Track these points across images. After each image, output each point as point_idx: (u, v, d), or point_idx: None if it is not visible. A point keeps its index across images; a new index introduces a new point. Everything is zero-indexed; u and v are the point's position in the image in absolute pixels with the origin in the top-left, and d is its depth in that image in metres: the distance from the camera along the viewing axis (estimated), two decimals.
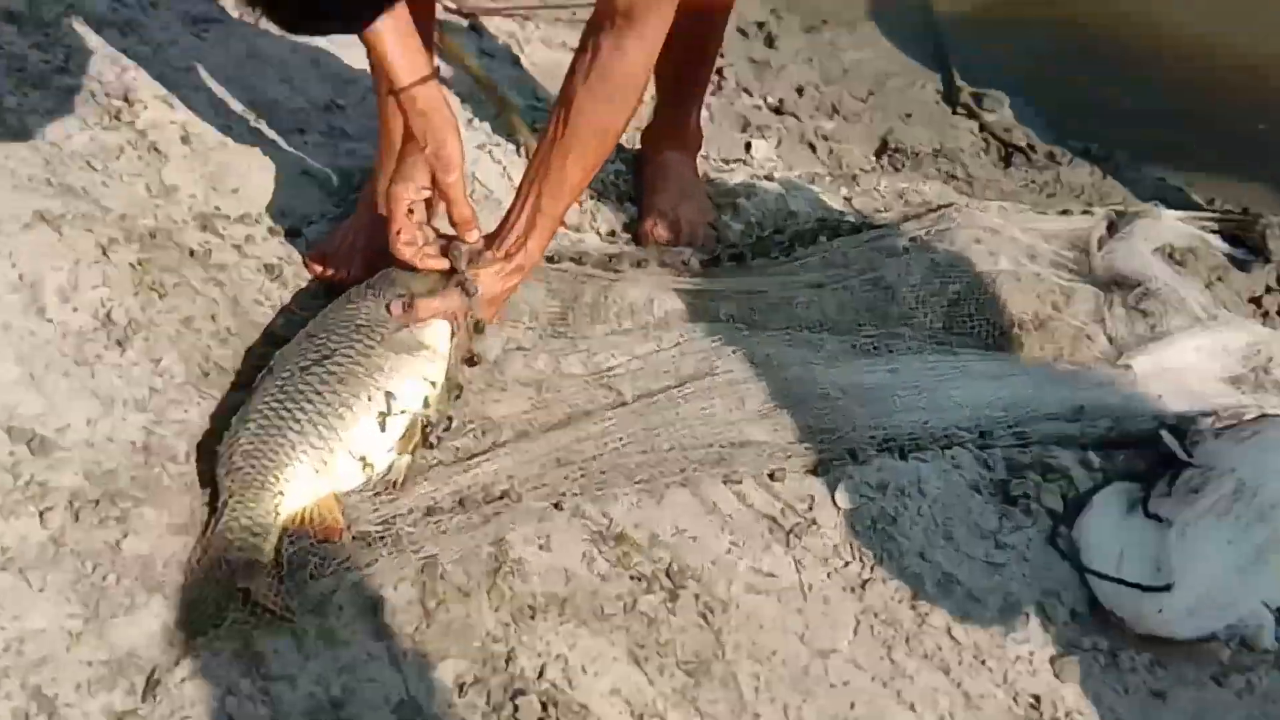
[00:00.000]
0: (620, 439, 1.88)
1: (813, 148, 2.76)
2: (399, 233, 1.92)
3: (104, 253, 1.98)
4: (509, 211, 1.95)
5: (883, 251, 2.29)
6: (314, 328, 1.87)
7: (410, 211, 1.92)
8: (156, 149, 2.23)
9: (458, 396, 1.89)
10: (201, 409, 1.84)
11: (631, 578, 1.73)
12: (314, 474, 1.72)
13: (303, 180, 2.28)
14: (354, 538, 1.69)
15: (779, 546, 1.79)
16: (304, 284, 2.09)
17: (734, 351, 2.04)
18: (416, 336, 1.86)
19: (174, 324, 1.93)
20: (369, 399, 1.78)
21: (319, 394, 1.76)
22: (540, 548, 1.74)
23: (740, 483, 1.86)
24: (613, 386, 1.97)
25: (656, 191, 2.39)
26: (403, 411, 1.79)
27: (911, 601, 1.75)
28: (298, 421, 1.74)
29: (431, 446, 1.82)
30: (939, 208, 2.43)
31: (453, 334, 1.90)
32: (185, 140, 2.26)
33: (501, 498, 1.78)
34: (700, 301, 2.15)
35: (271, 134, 2.35)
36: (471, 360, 1.94)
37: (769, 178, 2.57)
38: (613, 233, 2.34)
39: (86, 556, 1.64)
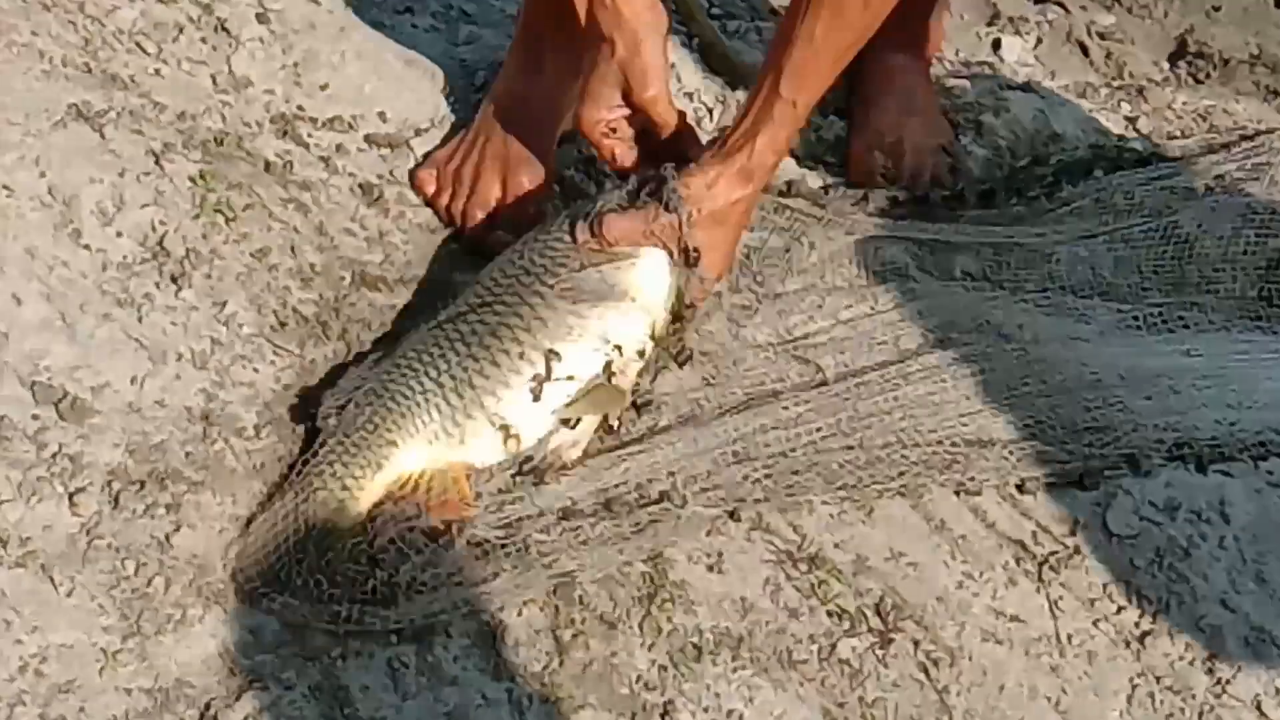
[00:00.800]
0: (818, 430, 1.87)
1: (1084, 49, 2.72)
2: (614, 156, 1.97)
3: (157, 162, 2.01)
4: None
5: (1178, 193, 2.26)
6: (487, 270, 1.91)
7: (611, 131, 1.95)
8: (225, 29, 2.26)
9: (664, 367, 1.91)
10: (276, 368, 1.87)
11: (829, 614, 1.73)
12: (442, 435, 1.77)
13: (410, 75, 2.30)
14: (469, 543, 1.71)
15: (1028, 582, 1.78)
16: (411, 210, 2.11)
17: (973, 320, 2.03)
18: (604, 278, 1.87)
19: (243, 257, 1.96)
20: (522, 358, 1.80)
21: (465, 345, 1.81)
22: (710, 569, 1.74)
23: (978, 494, 1.85)
24: (810, 360, 1.97)
25: (874, 105, 2.37)
26: (569, 378, 1.81)
27: (1207, 663, 1.73)
28: (434, 371, 1.79)
29: (611, 430, 1.83)
30: (1255, 135, 2.39)
31: (664, 276, 1.89)
32: (262, 19, 2.28)
33: (660, 501, 1.78)
34: (929, 252, 2.15)
35: (372, 13, 2.37)
36: (679, 315, 1.92)
37: (1025, 88, 2.53)
38: (814, 159, 2.33)
39: (127, 553, 1.67)
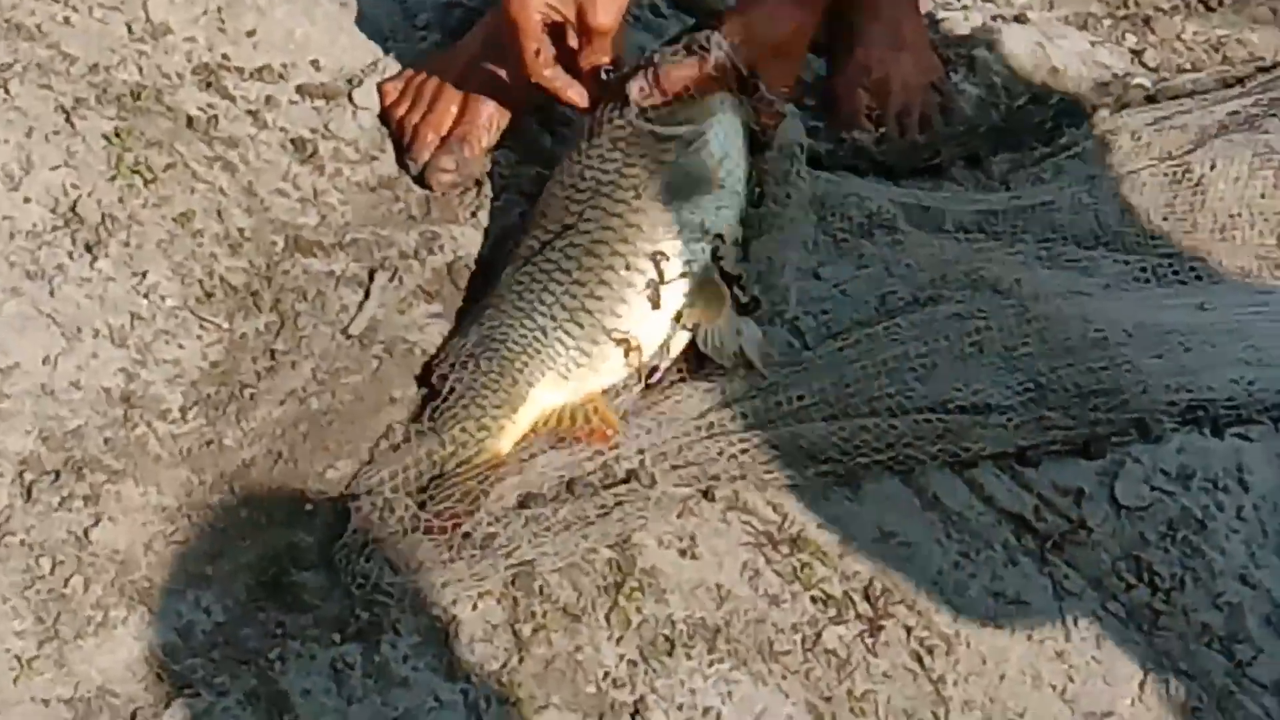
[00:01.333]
0: (798, 398, 1.87)
1: None
2: (537, 52, 1.96)
3: (67, 119, 2.01)
4: None
5: (1188, 132, 2.25)
6: (550, 192, 1.98)
7: (548, 25, 1.96)
8: None
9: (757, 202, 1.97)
10: (202, 344, 1.87)
11: (814, 600, 1.73)
12: (573, 366, 1.86)
13: (346, 18, 2.28)
14: (422, 529, 1.71)
15: (1030, 561, 1.79)
16: (349, 167, 2.10)
17: (967, 275, 2.02)
18: (685, 163, 1.93)
19: (165, 223, 1.95)
20: (629, 269, 1.88)
21: (566, 272, 1.89)
22: (682, 554, 1.75)
23: (974, 466, 1.85)
24: (787, 320, 1.96)
25: (858, 39, 2.36)
26: (681, 275, 1.88)
27: (1225, 645, 1.74)
28: (545, 304, 1.88)
29: (745, 306, 1.89)
30: (1273, 66, 2.40)
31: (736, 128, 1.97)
32: None
33: (627, 480, 1.78)
34: (918, 202, 2.14)
35: None
36: (758, 148, 1.99)
37: (1020, 19, 2.52)
38: (790, 97, 2.31)
39: (42, 550, 1.67)
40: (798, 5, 1.97)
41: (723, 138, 1.96)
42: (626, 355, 1.86)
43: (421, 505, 1.73)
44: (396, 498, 1.73)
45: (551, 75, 1.99)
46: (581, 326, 1.86)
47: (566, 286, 1.88)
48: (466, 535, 1.70)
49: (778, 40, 1.98)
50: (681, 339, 1.87)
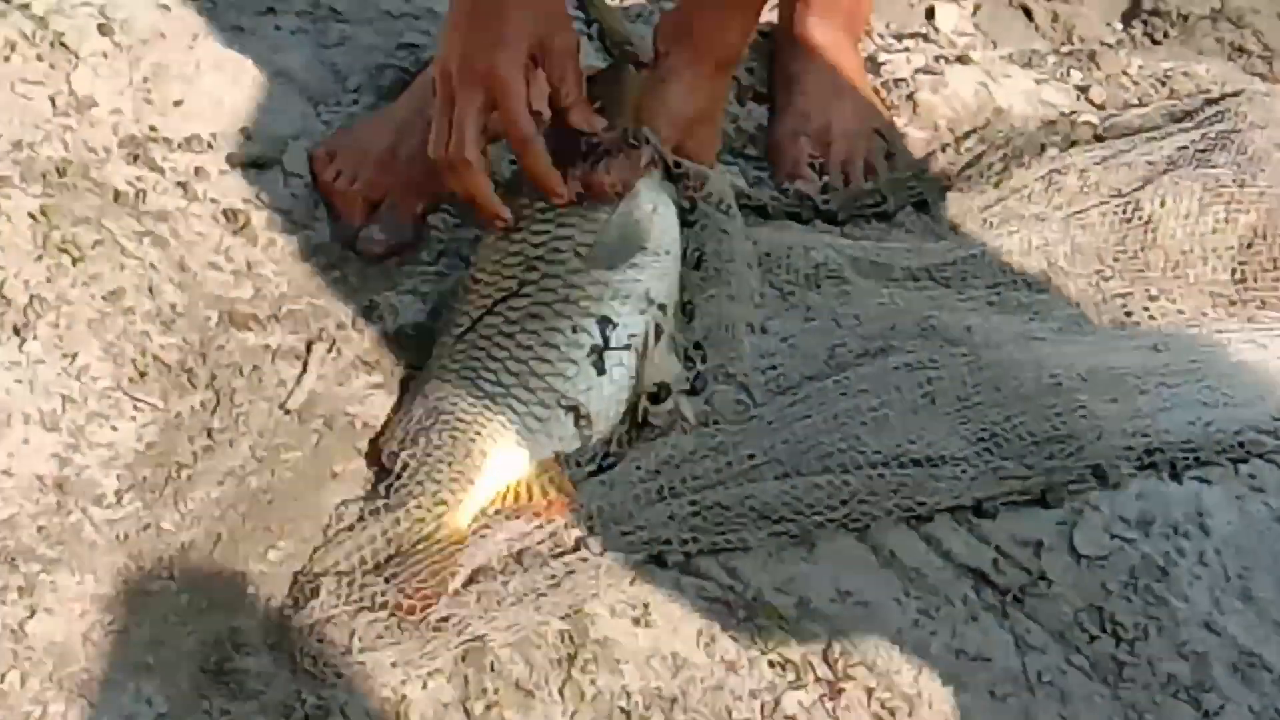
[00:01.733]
0: (749, 456, 1.87)
1: (1027, 12, 2.73)
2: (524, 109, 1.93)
3: None
4: None
5: (1137, 168, 2.26)
6: (483, 267, 1.98)
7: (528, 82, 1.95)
8: (63, 44, 2.24)
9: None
10: (137, 425, 1.86)
11: (772, 665, 1.72)
12: (525, 431, 1.85)
13: (275, 85, 2.29)
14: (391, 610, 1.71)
15: (990, 616, 1.78)
16: (282, 237, 2.10)
17: (917, 324, 2.02)
18: (621, 230, 1.95)
19: (94, 302, 1.95)
20: (575, 331, 1.88)
21: (510, 337, 1.90)
22: (635, 622, 1.74)
23: (930, 520, 1.84)
24: (735, 376, 1.95)
25: (798, 87, 2.37)
26: (626, 345, 1.89)
27: (1192, 694, 1.73)
28: (491, 371, 1.88)
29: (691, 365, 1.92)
30: (1220, 99, 2.39)
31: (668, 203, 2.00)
32: (104, 30, 2.26)
33: (576, 549, 1.78)
34: (865, 251, 2.15)
35: (229, 16, 2.36)
36: (687, 222, 2.01)
37: (963, 59, 2.54)
38: (733, 152, 2.33)
39: None
40: (713, 76, 2.00)
41: (653, 196, 1.98)
42: (577, 423, 1.86)
43: (386, 583, 1.72)
44: (358, 578, 1.73)
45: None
46: (531, 391, 1.86)
47: (511, 352, 1.88)
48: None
49: (695, 114, 2.02)
50: (629, 404, 1.88)
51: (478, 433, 1.84)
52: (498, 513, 1.82)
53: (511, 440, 1.84)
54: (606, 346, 1.87)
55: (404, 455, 1.83)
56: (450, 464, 1.81)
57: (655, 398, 1.88)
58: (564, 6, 1.99)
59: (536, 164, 1.92)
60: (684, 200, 2.01)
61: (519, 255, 1.95)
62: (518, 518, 1.81)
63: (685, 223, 2.00)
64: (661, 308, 1.92)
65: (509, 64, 1.90)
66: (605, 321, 1.88)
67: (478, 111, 1.90)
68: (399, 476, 1.82)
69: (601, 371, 1.87)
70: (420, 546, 1.75)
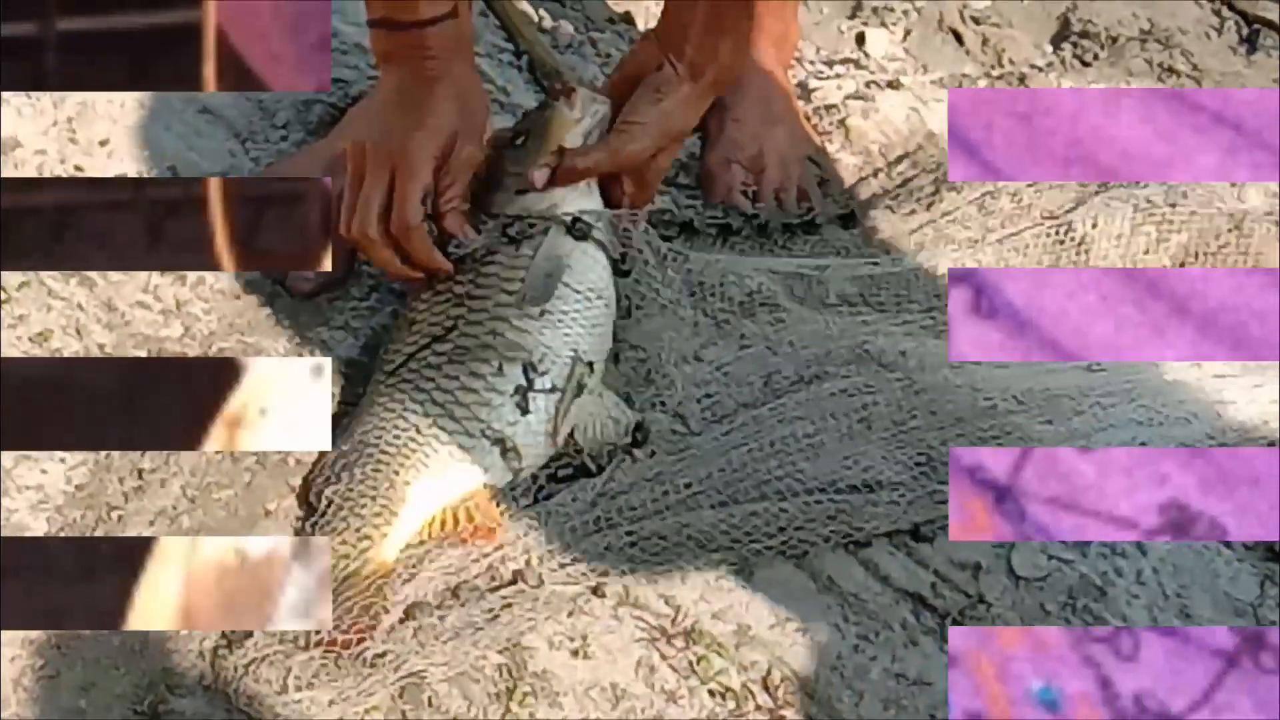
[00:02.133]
0: (686, 485, 1.88)
1: (958, 37, 2.75)
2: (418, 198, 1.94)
3: None
4: None
5: (1069, 190, 2.27)
6: (413, 314, 1.99)
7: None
8: None
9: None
10: (66, 467, 1.86)
11: (712, 694, 1.73)
12: (450, 462, 1.86)
13: (201, 122, 2.29)
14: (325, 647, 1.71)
15: (930, 640, 1.79)
16: (212, 275, 2.09)
17: (851, 349, 2.03)
18: (545, 272, 1.96)
19: (21, 343, 1.95)
20: (500, 371, 1.90)
21: (437, 369, 1.91)
22: (574, 654, 1.74)
23: (868, 545, 1.85)
24: (669, 407, 1.97)
25: (729, 115, 2.39)
26: (550, 389, 1.90)
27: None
28: (417, 405, 1.89)
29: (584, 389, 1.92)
30: None
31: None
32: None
33: (514, 581, 1.78)
34: (800, 277, 2.16)
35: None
36: (623, 272, 2.02)
37: (893, 84, 2.56)
38: (665, 181, 2.32)
39: None
40: (704, 96, 2.03)
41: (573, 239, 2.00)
42: (504, 455, 1.87)
43: None
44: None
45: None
46: (456, 421, 1.88)
47: (438, 383, 1.90)
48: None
49: (676, 131, 2.03)
50: (556, 441, 1.90)
51: (401, 464, 1.85)
52: (423, 544, 1.82)
53: (435, 471, 1.85)
54: (530, 388, 1.89)
55: (328, 492, 1.84)
56: (374, 498, 1.82)
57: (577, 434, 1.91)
58: (485, 118, 2.03)
59: (417, 251, 1.94)
60: (615, 251, 2.01)
61: (447, 294, 1.96)
62: (452, 547, 1.81)
63: (620, 272, 2.01)
64: (590, 364, 1.93)
65: (420, 150, 1.93)
66: (529, 366, 1.90)
67: (383, 192, 1.93)
68: (323, 514, 1.83)
69: (526, 411, 1.88)
70: (349, 582, 1.75)
